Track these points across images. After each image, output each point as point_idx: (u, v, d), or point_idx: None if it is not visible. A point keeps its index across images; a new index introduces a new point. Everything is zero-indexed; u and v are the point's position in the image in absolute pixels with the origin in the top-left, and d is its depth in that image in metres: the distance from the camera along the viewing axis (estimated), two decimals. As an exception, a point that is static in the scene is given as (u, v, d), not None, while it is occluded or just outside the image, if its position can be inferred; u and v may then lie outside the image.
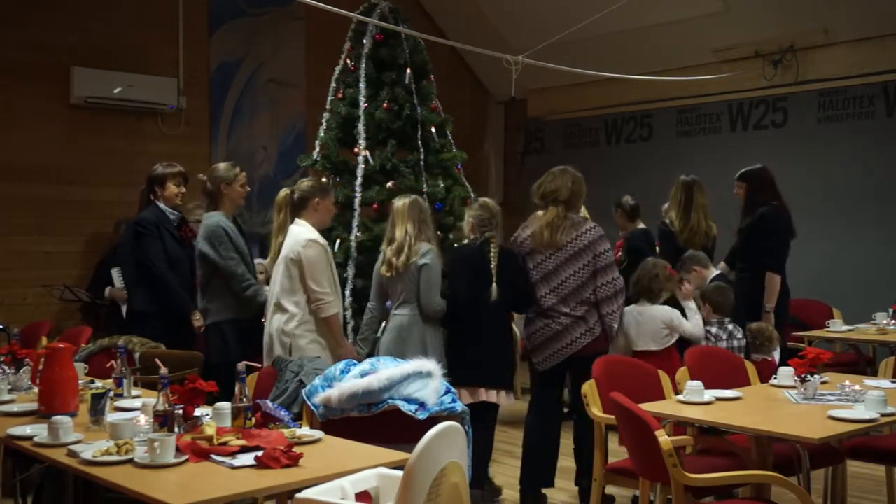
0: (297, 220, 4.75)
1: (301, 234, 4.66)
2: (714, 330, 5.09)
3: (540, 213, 4.79)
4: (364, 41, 6.38)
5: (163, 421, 2.96)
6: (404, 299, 4.77)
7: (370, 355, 4.55)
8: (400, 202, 4.85)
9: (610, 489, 4.70)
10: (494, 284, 4.69)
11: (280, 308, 4.66)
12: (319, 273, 4.61)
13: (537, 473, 4.80)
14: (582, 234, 4.69)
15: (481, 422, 4.59)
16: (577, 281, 4.67)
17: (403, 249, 4.72)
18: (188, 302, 5.22)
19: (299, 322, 4.60)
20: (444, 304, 4.75)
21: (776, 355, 5.09)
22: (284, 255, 4.65)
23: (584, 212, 5.61)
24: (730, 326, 5.11)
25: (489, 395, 4.72)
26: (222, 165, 5.21)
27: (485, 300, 4.69)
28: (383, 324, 5.04)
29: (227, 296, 5.01)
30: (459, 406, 3.61)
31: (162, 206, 5.36)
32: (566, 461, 5.26)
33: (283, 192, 4.92)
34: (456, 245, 5.01)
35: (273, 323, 4.67)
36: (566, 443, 5.05)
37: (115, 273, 6.89)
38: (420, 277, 4.71)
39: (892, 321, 6.30)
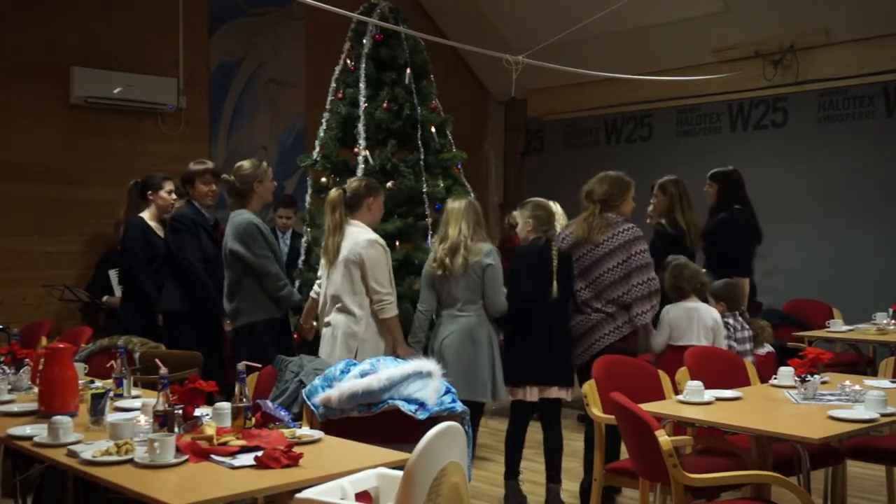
0: (350, 220, 4.75)
1: (361, 234, 4.70)
2: (731, 321, 5.19)
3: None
4: (364, 41, 6.38)
5: (163, 421, 2.96)
6: (469, 299, 4.77)
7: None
8: (455, 203, 4.87)
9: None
10: (556, 283, 4.75)
11: (345, 310, 4.67)
12: (381, 273, 4.67)
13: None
14: (618, 233, 4.82)
15: (554, 419, 4.76)
16: (611, 278, 4.79)
17: (459, 249, 4.72)
18: (221, 304, 5.07)
19: (366, 324, 4.66)
20: (507, 305, 4.78)
21: (769, 348, 5.24)
22: (345, 256, 4.66)
23: (559, 214, 5.73)
24: (740, 318, 5.24)
25: (555, 392, 4.74)
26: (247, 163, 5.05)
27: (548, 299, 4.74)
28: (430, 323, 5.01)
29: (260, 296, 4.87)
30: (459, 406, 3.61)
31: (196, 204, 5.27)
32: (566, 461, 5.25)
33: (335, 192, 4.82)
34: (522, 247, 4.97)
35: (337, 325, 4.67)
36: (568, 441, 5.05)
37: (113, 274, 6.88)
38: (485, 277, 4.72)
39: (892, 321, 6.30)
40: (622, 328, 4.81)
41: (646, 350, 5.07)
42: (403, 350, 4.70)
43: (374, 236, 4.74)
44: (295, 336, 5.38)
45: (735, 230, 5.95)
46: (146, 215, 5.57)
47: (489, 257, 4.75)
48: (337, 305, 4.71)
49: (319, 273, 4.98)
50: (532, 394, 4.72)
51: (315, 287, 5.06)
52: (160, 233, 5.52)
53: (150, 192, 5.56)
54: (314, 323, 5.16)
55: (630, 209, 5.01)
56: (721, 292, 5.30)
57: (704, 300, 5.16)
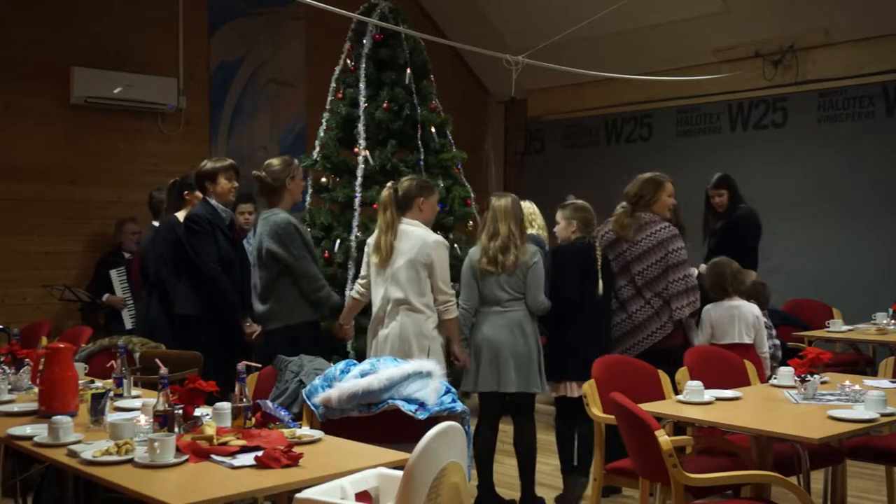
0: (405, 219, 4.72)
1: (426, 235, 4.68)
2: (765, 319, 5.36)
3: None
4: (364, 41, 6.39)
5: (163, 421, 2.96)
6: (514, 297, 4.75)
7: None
8: (501, 201, 4.81)
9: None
10: (601, 282, 4.86)
11: (414, 310, 4.64)
12: (447, 274, 4.69)
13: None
14: (655, 232, 5.02)
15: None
16: (651, 275, 4.98)
17: (510, 248, 4.71)
18: (240, 305, 4.98)
19: (434, 324, 4.66)
20: (548, 302, 4.81)
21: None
22: (412, 256, 4.62)
23: (535, 214, 5.83)
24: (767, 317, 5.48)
25: None
26: (277, 161, 4.94)
27: (593, 297, 4.84)
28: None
29: (296, 298, 4.78)
30: (459, 406, 3.61)
31: (213, 202, 5.06)
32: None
33: (387, 191, 4.76)
34: (561, 245, 5.06)
35: (406, 325, 4.63)
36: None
37: (115, 274, 6.89)
38: (529, 275, 4.73)
39: (892, 321, 6.30)
40: (666, 326, 4.97)
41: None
42: (458, 349, 4.74)
43: (440, 237, 4.76)
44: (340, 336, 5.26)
45: (753, 225, 6.12)
46: (180, 215, 5.29)
47: (535, 256, 4.78)
48: (404, 306, 4.64)
49: (363, 273, 4.91)
50: (574, 390, 4.78)
51: (357, 287, 4.97)
52: None
53: (186, 192, 5.35)
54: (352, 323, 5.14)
55: (666, 208, 5.14)
56: (751, 291, 5.44)
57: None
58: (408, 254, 4.63)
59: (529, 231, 6.57)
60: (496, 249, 4.70)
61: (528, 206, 6.31)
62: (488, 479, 4.83)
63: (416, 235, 4.66)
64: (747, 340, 5.04)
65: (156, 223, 5.70)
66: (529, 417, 4.85)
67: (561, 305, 4.81)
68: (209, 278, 4.94)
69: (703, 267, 6.00)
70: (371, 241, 4.82)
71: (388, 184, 4.83)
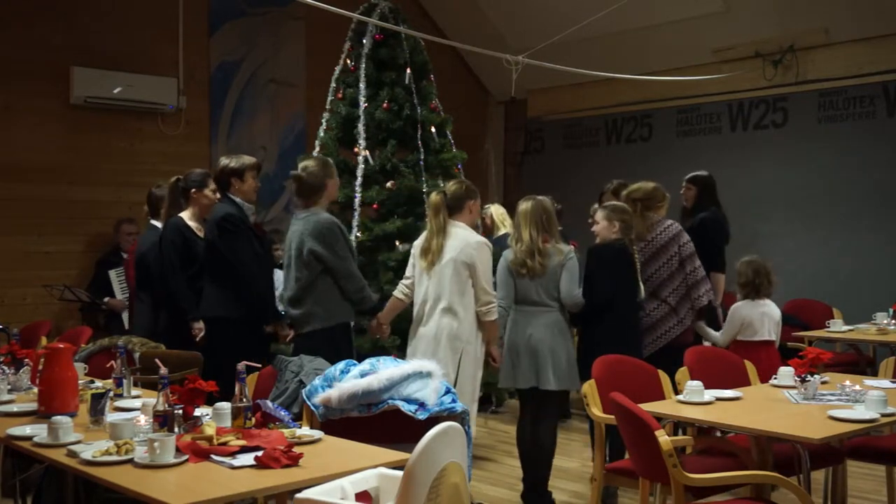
0: (453, 221, 4.76)
1: (469, 236, 4.74)
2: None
3: None
4: (364, 41, 6.39)
5: (163, 421, 2.96)
6: (549, 296, 4.80)
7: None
8: (524, 205, 4.88)
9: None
10: (642, 285, 4.97)
11: (451, 311, 4.67)
12: (489, 276, 4.73)
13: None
14: (665, 229, 5.24)
15: None
16: (668, 271, 5.19)
17: (533, 253, 4.74)
18: (276, 307, 4.90)
19: (468, 326, 4.68)
20: (582, 299, 4.86)
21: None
22: (454, 256, 4.67)
23: (505, 218, 5.82)
24: None
25: None
26: (312, 161, 4.89)
27: (631, 298, 4.93)
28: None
29: (336, 299, 4.72)
30: (459, 406, 3.61)
31: (239, 200, 4.93)
32: (566, 461, 5.27)
33: (437, 195, 4.80)
34: (597, 244, 5.11)
35: (442, 327, 4.67)
36: (564, 443, 5.06)
37: (114, 274, 6.88)
38: (563, 272, 4.78)
39: (892, 321, 6.30)
40: (685, 320, 5.19)
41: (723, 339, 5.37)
42: (495, 350, 4.78)
43: (483, 239, 4.81)
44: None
45: (719, 228, 6.11)
46: (186, 215, 5.15)
47: (570, 254, 4.84)
48: (442, 307, 4.69)
49: (408, 273, 4.92)
50: None
51: (401, 287, 4.96)
52: (200, 234, 5.10)
53: (193, 190, 5.16)
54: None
55: (664, 215, 5.34)
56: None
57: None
58: (451, 253, 4.69)
59: (500, 232, 6.64)
60: (523, 254, 4.76)
61: (498, 209, 6.39)
62: (529, 474, 4.88)
63: (460, 236, 4.73)
64: (773, 338, 5.28)
65: (154, 222, 5.58)
66: (554, 414, 4.91)
67: (593, 305, 4.86)
68: (248, 280, 4.82)
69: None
70: (418, 243, 4.87)
71: (449, 186, 4.88)
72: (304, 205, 4.82)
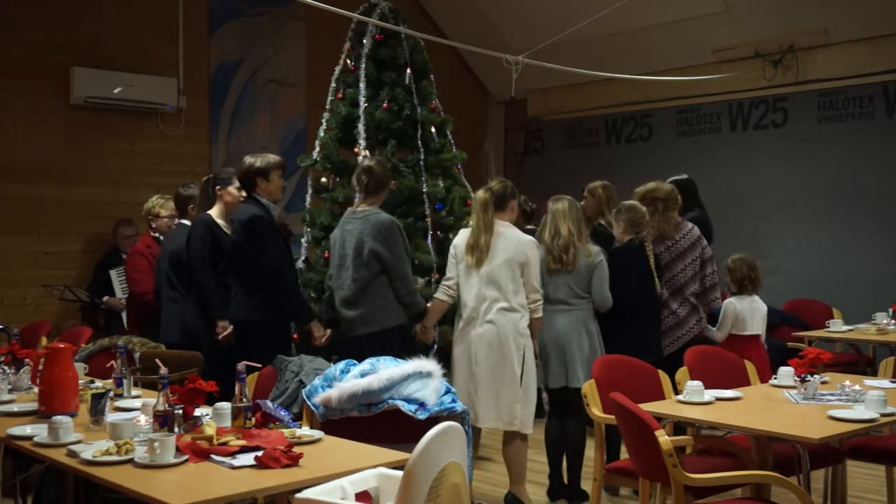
0: (497, 220, 4.78)
1: (519, 235, 4.79)
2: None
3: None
4: (364, 41, 6.38)
5: (163, 421, 2.96)
6: (577, 294, 4.92)
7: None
8: (559, 204, 4.98)
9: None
10: (658, 280, 5.12)
11: (511, 309, 4.69)
12: (539, 274, 4.78)
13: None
14: (689, 231, 5.41)
15: None
16: (689, 273, 5.34)
17: (569, 248, 4.87)
18: (309, 307, 4.84)
19: (527, 322, 4.73)
20: (611, 300, 4.97)
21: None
22: (509, 256, 4.69)
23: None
24: None
25: None
26: (375, 162, 4.88)
27: (652, 296, 5.10)
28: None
29: (392, 300, 4.73)
30: (459, 406, 3.61)
31: (265, 201, 4.85)
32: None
33: (484, 192, 4.80)
34: (616, 247, 5.24)
35: (503, 324, 4.67)
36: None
37: (115, 274, 6.88)
38: (594, 274, 4.91)
39: (892, 321, 6.30)
40: (702, 321, 5.38)
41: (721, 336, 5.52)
42: (536, 346, 4.81)
43: (532, 238, 4.84)
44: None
45: (708, 229, 6.17)
46: (214, 212, 5.11)
47: (599, 255, 4.96)
48: (502, 306, 4.69)
49: (450, 273, 4.88)
50: None
51: (444, 288, 4.90)
52: (228, 231, 5.04)
53: (218, 187, 5.13)
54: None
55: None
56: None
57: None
58: (505, 253, 4.70)
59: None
60: (560, 249, 4.87)
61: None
62: (558, 472, 4.97)
63: (511, 235, 4.76)
64: (760, 332, 5.49)
65: (185, 221, 5.47)
66: (583, 411, 4.91)
67: (621, 305, 4.98)
68: (283, 283, 4.75)
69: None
70: (459, 241, 4.86)
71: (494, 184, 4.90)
72: (367, 201, 4.84)
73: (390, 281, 4.75)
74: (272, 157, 4.93)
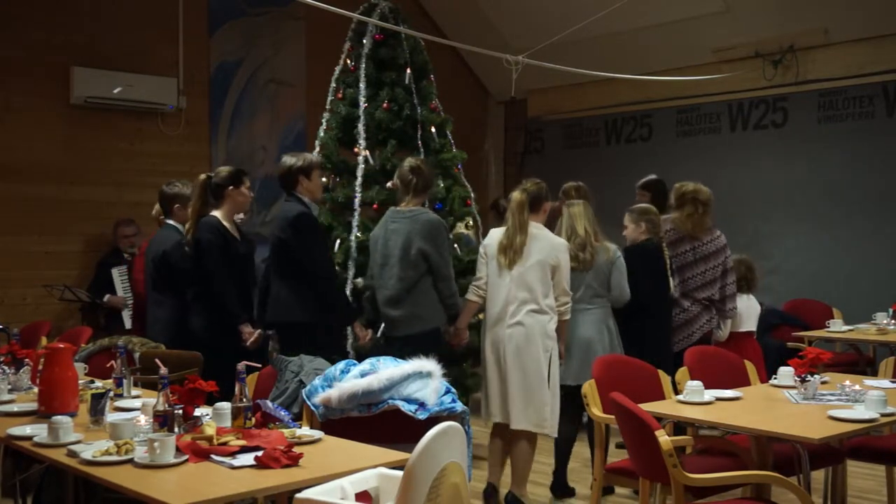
0: (532, 222, 4.81)
1: (552, 237, 4.86)
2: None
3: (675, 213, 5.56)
4: (364, 41, 6.38)
5: (163, 421, 2.96)
6: (596, 293, 5.05)
7: None
8: (574, 207, 5.12)
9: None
10: (672, 280, 5.30)
11: (540, 311, 4.72)
12: (569, 277, 4.82)
13: None
14: (717, 237, 5.53)
15: None
16: (709, 277, 5.47)
17: (586, 246, 5.00)
18: (354, 309, 4.78)
19: (555, 325, 4.76)
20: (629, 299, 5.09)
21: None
22: (542, 257, 4.72)
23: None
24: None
25: None
26: (418, 160, 4.90)
27: (662, 294, 5.25)
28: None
29: (434, 300, 4.73)
30: (459, 406, 3.61)
31: (307, 200, 4.78)
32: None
33: (521, 193, 4.82)
34: (630, 246, 5.37)
35: (532, 325, 4.69)
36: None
37: (116, 273, 6.88)
38: (614, 270, 5.04)
39: (892, 321, 6.30)
40: (714, 318, 5.50)
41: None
42: (563, 348, 4.86)
43: (564, 240, 4.90)
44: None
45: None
46: (219, 214, 4.93)
47: (617, 253, 5.11)
48: (532, 307, 4.71)
49: (481, 273, 4.88)
50: None
51: (475, 289, 4.89)
52: (235, 234, 4.97)
53: (230, 187, 4.93)
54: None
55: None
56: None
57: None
58: (538, 255, 4.73)
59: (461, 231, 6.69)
60: (577, 248, 4.97)
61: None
62: (565, 471, 5.06)
63: (543, 237, 4.80)
64: (754, 328, 5.77)
65: (171, 221, 5.37)
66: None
67: (640, 303, 5.10)
68: (327, 280, 4.69)
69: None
70: (490, 241, 4.87)
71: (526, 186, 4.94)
72: (414, 201, 4.83)
73: (434, 281, 4.75)
74: (312, 156, 4.94)
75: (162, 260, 5.19)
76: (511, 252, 4.73)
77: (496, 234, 4.86)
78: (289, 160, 4.88)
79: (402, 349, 4.36)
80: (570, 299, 4.82)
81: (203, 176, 5.08)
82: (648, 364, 4.48)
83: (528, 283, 4.70)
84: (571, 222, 5.06)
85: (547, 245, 4.75)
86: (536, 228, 4.80)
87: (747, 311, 5.72)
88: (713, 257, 5.47)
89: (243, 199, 4.99)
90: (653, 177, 6.55)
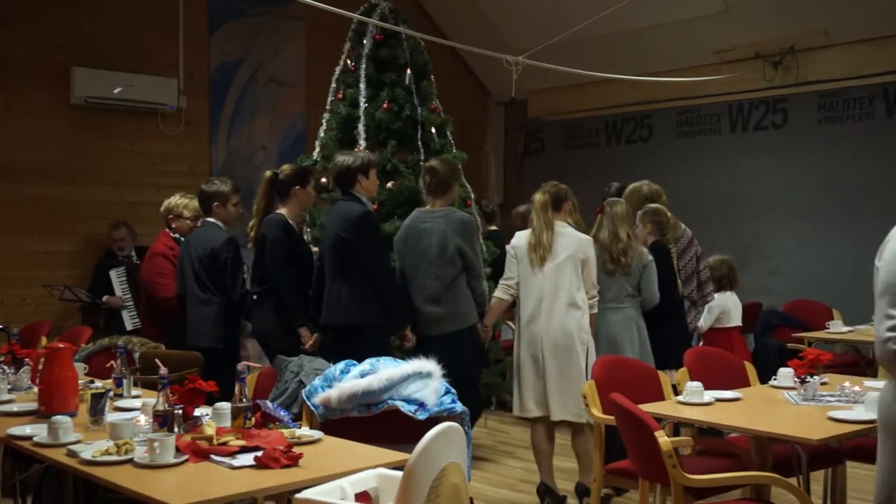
0: (555, 221, 4.87)
1: (577, 234, 4.92)
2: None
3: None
4: (364, 41, 6.38)
5: (163, 421, 2.96)
6: (629, 294, 5.07)
7: None
8: (617, 207, 5.12)
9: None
10: (679, 282, 5.36)
11: (575, 306, 4.78)
12: (596, 272, 4.89)
13: None
14: (684, 232, 5.63)
15: None
16: (690, 269, 5.61)
17: (628, 251, 5.02)
18: (409, 311, 4.74)
19: (588, 319, 4.82)
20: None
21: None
22: (570, 254, 4.80)
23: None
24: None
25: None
26: (438, 160, 4.91)
27: (676, 298, 5.30)
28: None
29: (468, 298, 4.74)
30: (459, 406, 3.61)
31: (365, 199, 4.74)
32: (566, 461, 5.26)
33: (543, 194, 4.91)
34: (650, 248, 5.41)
35: (568, 321, 4.75)
36: (565, 444, 5.05)
37: (114, 274, 6.87)
38: (644, 273, 5.07)
39: (892, 322, 6.28)
40: (699, 314, 5.67)
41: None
42: (593, 341, 4.92)
43: (588, 236, 4.96)
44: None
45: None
46: (285, 212, 4.80)
47: (648, 256, 5.13)
48: (566, 302, 4.78)
49: (511, 273, 4.91)
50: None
51: (504, 287, 4.91)
52: (298, 232, 4.90)
53: (297, 186, 4.81)
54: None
55: None
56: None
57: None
58: (566, 250, 4.81)
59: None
60: (619, 251, 5.01)
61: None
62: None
63: (570, 234, 4.89)
64: (740, 323, 6.03)
65: (211, 219, 5.20)
66: None
67: (662, 303, 5.17)
68: (388, 280, 4.64)
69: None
70: (518, 242, 4.94)
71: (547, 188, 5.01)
72: (440, 201, 4.87)
73: (468, 279, 4.82)
74: (368, 155, 4.92)
75: (210, 258, 5.05)
76: (541, 249, 4.81)
77: (523, 236, 4.95)
78: (346, 159, 4.78)
79: (444, 346, 4.46)
80: (598, 293, 4.90)
81: (269, 173, 4.95)
82: (648, 365, 4.49)
83: (561, 279, 4.78)
84: (613, 224, 5.06)
85: (574, 241, 4.84)
86: (560, 226, 4.89)
87: (734, 307, 5.99)
88: (687, 251, 5.58)
89: (308, 199, 4.92)
90: (616, 183, 6.31)
